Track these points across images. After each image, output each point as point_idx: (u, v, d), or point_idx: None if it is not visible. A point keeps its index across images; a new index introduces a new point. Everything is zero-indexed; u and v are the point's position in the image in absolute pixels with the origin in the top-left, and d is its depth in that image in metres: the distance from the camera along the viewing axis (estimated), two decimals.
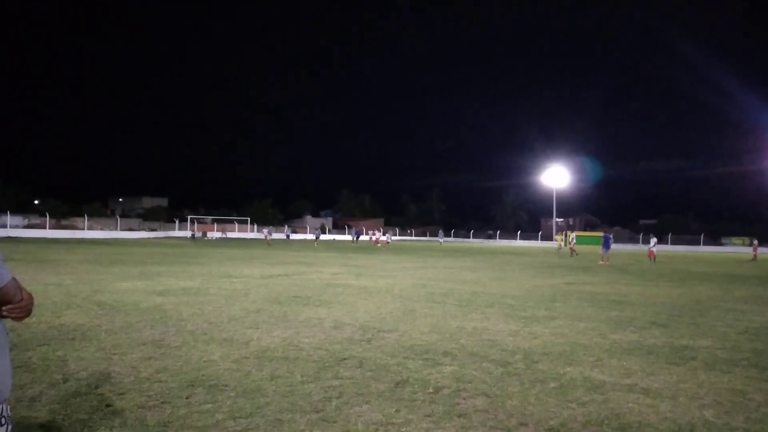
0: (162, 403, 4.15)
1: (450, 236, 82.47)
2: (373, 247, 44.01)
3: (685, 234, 74.76)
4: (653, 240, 30.58)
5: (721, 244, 71.24)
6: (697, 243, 68.31)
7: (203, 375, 4.90)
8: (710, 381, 5.13)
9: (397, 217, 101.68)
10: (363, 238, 60.71)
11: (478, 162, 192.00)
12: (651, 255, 29.47)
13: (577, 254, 34.11)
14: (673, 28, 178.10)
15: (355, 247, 44.15)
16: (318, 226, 64.66)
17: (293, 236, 64.61)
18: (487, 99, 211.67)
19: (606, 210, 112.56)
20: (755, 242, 41.73)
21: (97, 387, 4.48)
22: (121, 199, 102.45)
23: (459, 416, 4.02)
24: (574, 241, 36.12)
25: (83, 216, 60.33)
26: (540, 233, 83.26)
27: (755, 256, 38.69)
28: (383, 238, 45.97)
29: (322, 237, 57.94)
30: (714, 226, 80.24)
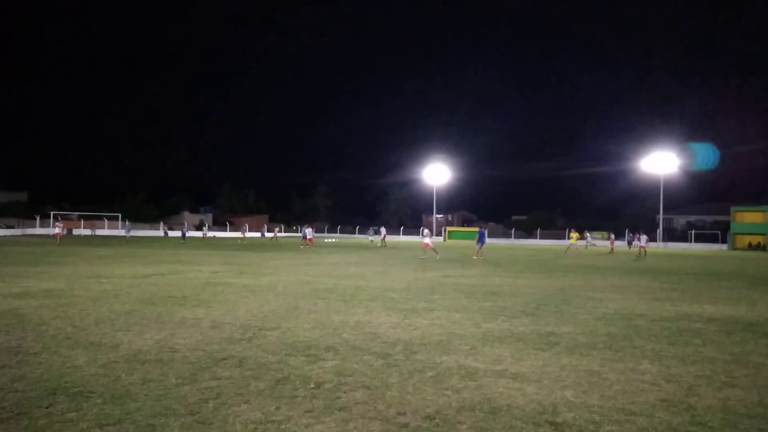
0: (18, 414, 3.81)
1: (337, 232, 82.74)
2: (372, 246, 42.58)
3: (552, 229, 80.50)
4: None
5: (584, 239, 77.39)
6: (563, 237, 73.70)
7: (66, 382, 4.55)
8: (571, 364, 5.57)
9: (282, 213, 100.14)
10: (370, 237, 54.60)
11: (364, 159, 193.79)
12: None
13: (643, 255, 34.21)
14: (557, 33, 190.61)
15: (275, 244, 42.91)
16: (184, 222, 61.84)
17: (171, 233, 61.78)
18: (370, 97, 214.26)
19: (482, 207, 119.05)
20: (612, 236, 46.13)
21: None
22: None
23: (339, 410, 4.06)
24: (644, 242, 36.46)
25: None
26: (421, 228, 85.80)
27: (612, 249, 42.65)
28: (380, 236, 45.08)
29: (190, 234, 55.71)
30: (578, 222, 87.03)
